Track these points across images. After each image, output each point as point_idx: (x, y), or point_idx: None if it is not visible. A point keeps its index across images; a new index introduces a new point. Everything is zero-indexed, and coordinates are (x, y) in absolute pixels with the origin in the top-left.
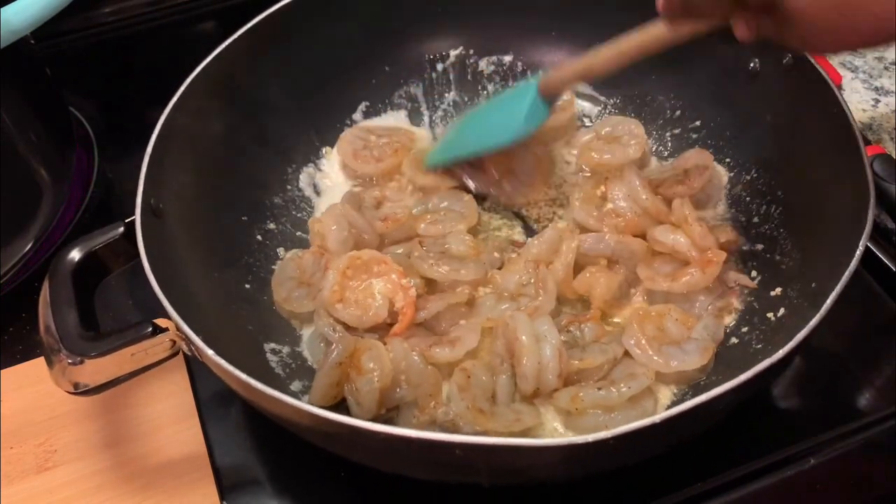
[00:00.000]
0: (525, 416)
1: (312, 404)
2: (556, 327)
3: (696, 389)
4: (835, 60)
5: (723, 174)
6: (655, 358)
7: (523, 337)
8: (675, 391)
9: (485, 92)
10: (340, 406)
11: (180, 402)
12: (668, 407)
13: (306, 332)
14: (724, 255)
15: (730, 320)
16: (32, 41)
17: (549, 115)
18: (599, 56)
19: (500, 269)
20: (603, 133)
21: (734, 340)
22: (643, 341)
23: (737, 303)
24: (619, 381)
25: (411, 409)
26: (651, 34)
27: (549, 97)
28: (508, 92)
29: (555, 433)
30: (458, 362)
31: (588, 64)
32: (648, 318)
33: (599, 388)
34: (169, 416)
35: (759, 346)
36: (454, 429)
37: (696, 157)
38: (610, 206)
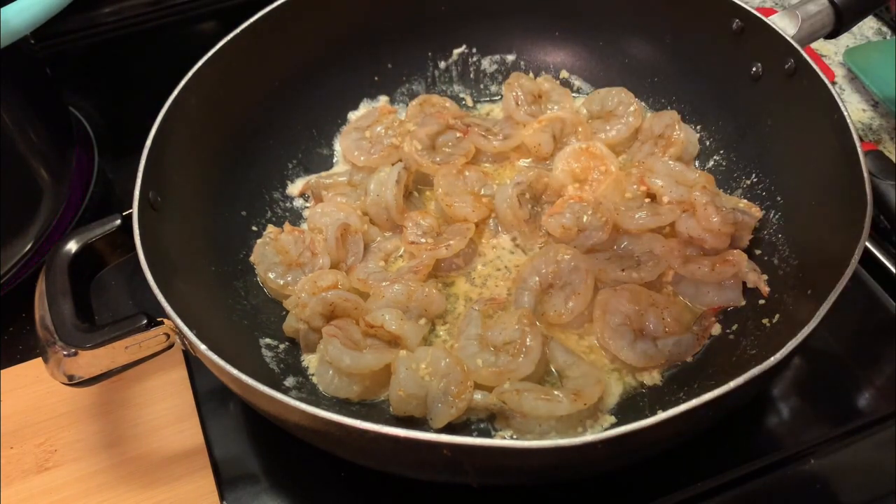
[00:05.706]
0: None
1: None
2: None
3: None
4: (835, 60)
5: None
6: (609, 338)
7: None
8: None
9: (487, 90)
10: (339, 407)
11: (180, 402)
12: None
13: (311, 360)
14: (743, 258)
15: (716, 330)
16: (32, 41)
17: None
18: None
19: None
20: (595, 110)
21: (729, 344)
22: (617, 322)
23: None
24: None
25: (445, 398)
26: None
27: None
28: None
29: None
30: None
31: None
32: (644, 296)
33: None
34: (168, 416)
35: (754, 351)
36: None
37: (661, 118)
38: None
